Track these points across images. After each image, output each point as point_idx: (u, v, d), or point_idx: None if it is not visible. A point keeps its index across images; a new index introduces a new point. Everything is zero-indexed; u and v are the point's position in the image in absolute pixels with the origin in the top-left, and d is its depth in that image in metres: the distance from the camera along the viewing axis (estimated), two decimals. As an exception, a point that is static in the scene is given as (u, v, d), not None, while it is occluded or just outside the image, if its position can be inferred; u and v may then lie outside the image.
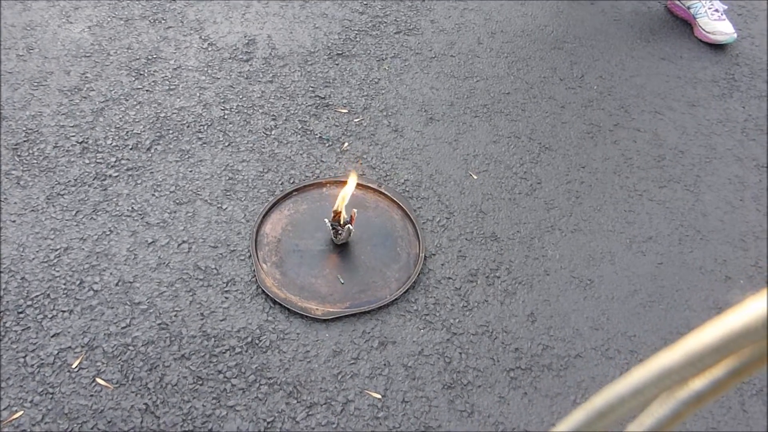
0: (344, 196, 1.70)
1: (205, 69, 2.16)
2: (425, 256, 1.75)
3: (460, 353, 1.58)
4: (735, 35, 2.46)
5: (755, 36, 2.57)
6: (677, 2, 2.57)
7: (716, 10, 2.47)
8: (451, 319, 1.64)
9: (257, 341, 1.55)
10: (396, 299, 1.66)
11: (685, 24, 2.58)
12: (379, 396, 1.49)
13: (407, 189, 1.91)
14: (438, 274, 1.73)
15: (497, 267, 1.76)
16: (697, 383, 0.40)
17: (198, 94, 2.08)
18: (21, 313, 1.54)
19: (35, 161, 1.84)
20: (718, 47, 2.49)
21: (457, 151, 2.03)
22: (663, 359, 0.40)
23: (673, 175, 2.03)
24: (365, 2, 2.49)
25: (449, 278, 1.72)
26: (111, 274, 1.63)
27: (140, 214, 1.76)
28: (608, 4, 2.62)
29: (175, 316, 1.57)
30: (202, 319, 1.58)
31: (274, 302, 1.62)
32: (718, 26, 2.46)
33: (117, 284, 1.61)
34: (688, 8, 2.53)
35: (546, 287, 1.73)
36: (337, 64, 2.24)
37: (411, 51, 2.33)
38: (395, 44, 2.34)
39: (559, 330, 1.65)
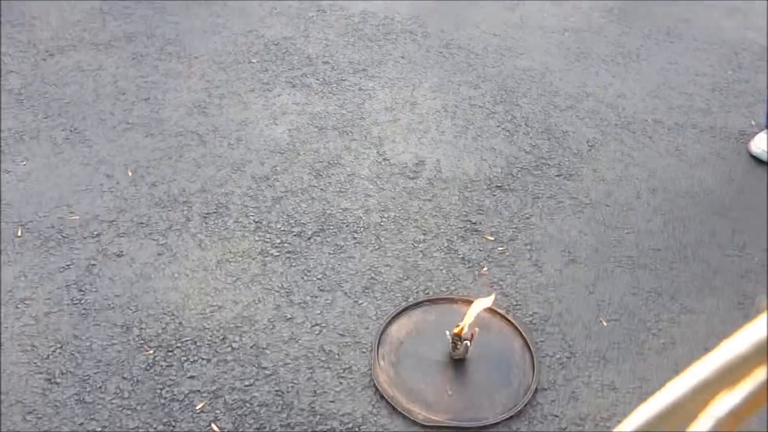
0: (471, 314, 1.79)
1: (375, 179, 2.42)
2: (536, 389, 1.77)
3: (550, 493, 1.56)
4: None
5: None
6: None
7: None
8: (549, 457, 1.62)
9: (357, 429, 1.65)
10: (498, 423, 1.68)
11: None
12: None
13: (534, 321, 1.96)
14: (546, 409, 1.73)
15: (609, 417, 1.72)
16: (734, 398, 0.39)
17: (363, 200, 2.33)
18: (170, 351, 1.79)
19: (217, 230, 2.17)
20: None
21: (592, 295, 2.05)
22: (697, 371, 0.39)
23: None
24: (534, 144, 2.65)
25: (556, 416, 1.72)
26: (249, 337, 1.84)
27: (287, 292, 1.98)
28: (787, 181, 2.54)
29: (291, 387, 1.73)
30: (314, 396, 1.71)
31: (382, 397, 1.72)
32: None
33: (251, 347, 1.82)
34: None
35: (658, 450, 1.65)
36: (495, 195, 2.40)
37: (567, 194, 2.43)
38: (553, 186, 2.46)
39: (662, 498, 1.56)
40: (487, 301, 1.84)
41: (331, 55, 3.14)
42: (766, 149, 2.61)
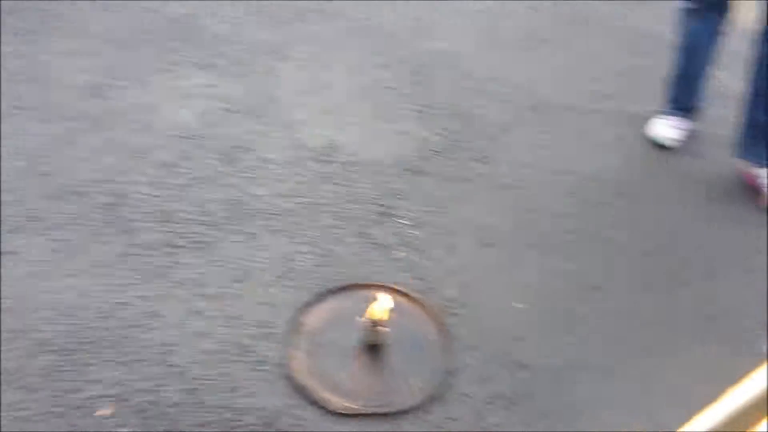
0: (384, 300, 1.78)
1: (287, 164, 2.36)
2: (450, 372, 1.78)
3: (468, 476, 1.57)
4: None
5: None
6: (748, 171, 2.58)
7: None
8: (465, 439, 1.64)
9: (274, 423, 1.61)
10: (414, 407, 1.68)
11: (754, 192, 2.57)
12: (377, 502, 1.50)
13: (447, 305, 1.97)
14: (460, 390, 1.75)
15: (521, 394, 1.76)
16: None
17: (275, 186, 2.27)
18: (69, 355, 1.68)
19: (119, 222, 2.05)
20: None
21: (504, 278, 2.09)
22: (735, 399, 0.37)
23: (723, 335, 1.98)
24: (446, 127, 2.66)
25: (470, 397, 1.73)
26: (157, 334, 1.76)
27: (197, 285, 1.91)
28: (680, 163, 2.66)
29: (203, 384, 1.67)
30: (228, 392, 1.66)
31: (298, 387, 1.68)
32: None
33: (160, 345, 1.74)
34: (758, 177, 2.53)
35: (570, 424, 1.70)
36: (407, 179, 2.39)
37: (480, 178, 2.45)
38: (466, 169, 2.47)
39: (573, 473, 1.61)
40: (398, 288, 1.83)
41: (239, 34, 3.02)
42: (664, 134, 2.72)
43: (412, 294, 1.96)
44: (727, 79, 2.79)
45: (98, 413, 1.56)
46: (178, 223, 2.08)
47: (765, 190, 2.52)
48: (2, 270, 1.87)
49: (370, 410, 1.66)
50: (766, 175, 2.52)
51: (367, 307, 1.87)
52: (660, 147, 2.74)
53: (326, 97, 2.73)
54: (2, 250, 1.92)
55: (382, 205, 2.26)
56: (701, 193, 2.53)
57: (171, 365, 1.69)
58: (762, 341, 1.96)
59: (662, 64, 2.71)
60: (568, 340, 1.93)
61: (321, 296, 1.93)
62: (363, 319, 1.79)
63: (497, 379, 1.79)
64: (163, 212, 2.11)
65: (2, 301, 1.79)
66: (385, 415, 1.66)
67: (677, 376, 1.86)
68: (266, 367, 1.73)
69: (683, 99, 2.73)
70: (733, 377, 1.82)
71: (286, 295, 1.92)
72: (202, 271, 1.95)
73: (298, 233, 2.12)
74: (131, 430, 1.55)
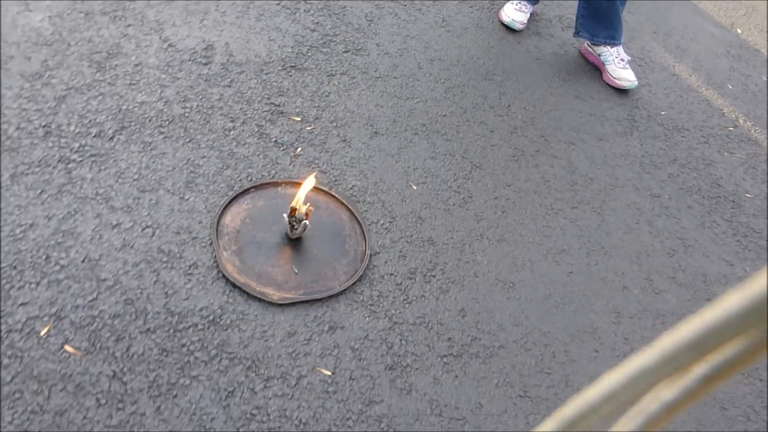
0: (301, 194, 1.86)
1: (166, 68, 2.28)
2: (370, 254, 1.94)
3: (401, 340, 1.78)
4: (636, 83, 2.83)
5: (652, 85, 2.97)
6: (590, 49, 2.93)
7: (622, 59, 2.84)
8: (393, 310, 1.83)
9: (218, 320, 1.68)
10: (344, 290, 1.83)
11: (596, 69, 2.93)
12: (329, 373, 1.66)
13: (354, 194, 2.10)
14: (382, 270, 1.92)
15: (433, 267, 1.98)
16: (667, 393, 0.37)
17: (159, 91, 2.19)
18: (-12, 282, 1.60)
19: (-1, 140, 1.90)
20: (622, 91, 2.86)
21: (399, 163, 2.25)
22: (636, 360, 0.38)
23: (583, 198, 2.33)
24: (317, 21, 2.67)
25: (391, 274, 1.92)
26: (77, 251, 1.71)
27: (104, 198, 1.85)
28: (532, 45, 2.94)
29: (140, 293, 1.68)
30: (166, 298, 1.69)
31: (234, 286, 1.75)
32: (623, 73, 2.82)
33: (83, 261, 1.70)
34: (599, 55, 2.88)
35: (475, 287, 1.96)
36: (291, 76, 2.41)
37: (358, 70, 2.54)
38: (343, 62, 2.54)
39: (485, 324, 1.88)
40: (311, 181, 1.91)
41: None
42: (513, 18, 2.96)
43: (321, 187, 2.06)
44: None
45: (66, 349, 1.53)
46: (65, 137, 1.96)
47: (603, 65, 2.88)
48: None
49: (306, 297, 1.79)
50: (603, 51, 2.87)
51: (281, 203, 1.95)
52: (510, 30, 2.98)
53: (188, -7, 2.60)
54: None
55: (272, 104, 2.28)
56: (552, 71, 2.83)
57: (101, 279, 1.67)
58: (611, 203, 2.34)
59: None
60: (462, 215, 2.16)
61: (234, 198, 1.96)
62: (286, 215, 1.86)
63: (410, 256, 1.98)
64: (45, 127, 1.97)
65: None
66: (320, 300, 1.79)
67: (555, 235, 2.18)
68: (198, 271, 1.76)
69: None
70: (590, 230, 2.15)
71: (199, 200, 1.93)
72: (107, 183, 1.88)
73: (196, 138, 2.09)
74: (78, 345, 1.55)
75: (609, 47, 2.84)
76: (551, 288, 2.02)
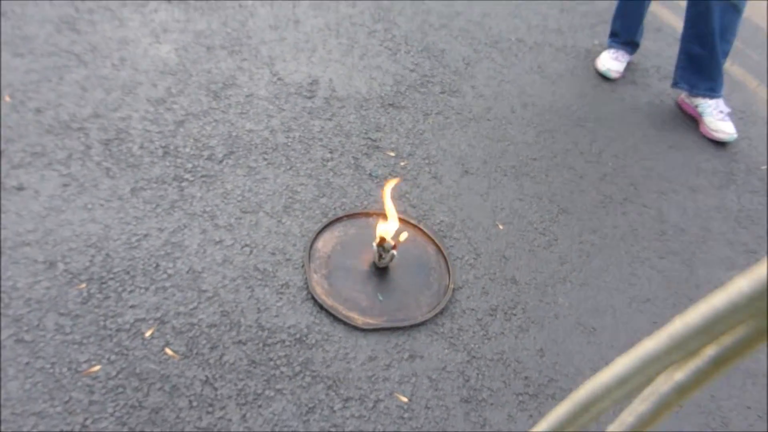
0: (386, 199, 1.96)
1: (273, 100, 2.44)
2: (454, 288, 2.00)
3: (478, 374, 1.81)
4: (735, 135, 2.78)
5: (753, 138, 2.90)
6: (687, 100, 2.90)
7: (721, 111, 2.80)
8: (472, 344, 1.87)
9: (304, 338, 1.78)
10: (426, 321, 1.89)
11: (692, 120, 2.90)
12: (405, 399, 1.71)
13: (442, 229, 2.17)
14: (463, 305, 1.97)
15: (514, 306, 2.01)
16: (679, 374, 0.38)
17: (266, 121, 2.35)
18: (104, 284, 1.76)
19: (123, 157, 2.09)
20: (719, 144, 2.81)
21: (486, 202, 2.30)
22: (647, 345, 0.38)
23: (672, 248, 2.31)
24: (416, 62, 2.80)
25: (473, 309, 1.96)
26: (183, 262, 1.86)
27: (210, 216, 2.00)
28: (627, 94, 2.94)
29: (235, 306, 1.80)
30: (258, 313, 1.80)
31: (321, 308, 1.85)
32: (721, 126, 2.78)
33: (187, 272, 1.84)
34: (696, 106, 2.85)
35: (555, 329, 1.97)
36: (388, 113, 2.53)
37: (453, 110, 2.63)
38: (439, 102, 2.64)
39: (563, 366, 1.89)
40: (393, 182, 2.00)
41: (201, -34, 2.99)
42: (609, 67, 2.98)
43: (410, 220, 2.14)
44: (664, 15, 3.06)
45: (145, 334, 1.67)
46: (180, 158, 2.14)
47: (701, 117, 2.84)
48: (19, 205, 1.88)
49: (389, 324, 1.86)
50: (701, 103, 2.84)
51: (370, 233, 2.04)
52: (606, 78, 3.00)
53: (299, 32, 2.79)
54: (14, 185, 1.93)
55: (369, 138, 2.40)
56: (646, 120, 2.83)
57: (202, 290, 1.81)
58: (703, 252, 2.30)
59: (601, 1, 2.93)
60: (546, 257, 2.18)
61: (327, 224, 2.07)
62: (374, 243, 1.95)
63: (493, 293, 2.02)
64: (164, 147, 2.16)
65: (26, 234, 1.82)
66: (402, 328, 1.86)
67: (640, 283, 2.17)
68: (290, 291, 1.87)
69: (624, 33, 2.99)
70: (678, 281, 2.13)
71: (295, 224, 2.05)
72: (214, 203, 2.04)
73: (296, 166, 2.23)
74: (177, 349, 1.67)
75: (708, 99, 2.81)
76: (633, 336, 2.01)
